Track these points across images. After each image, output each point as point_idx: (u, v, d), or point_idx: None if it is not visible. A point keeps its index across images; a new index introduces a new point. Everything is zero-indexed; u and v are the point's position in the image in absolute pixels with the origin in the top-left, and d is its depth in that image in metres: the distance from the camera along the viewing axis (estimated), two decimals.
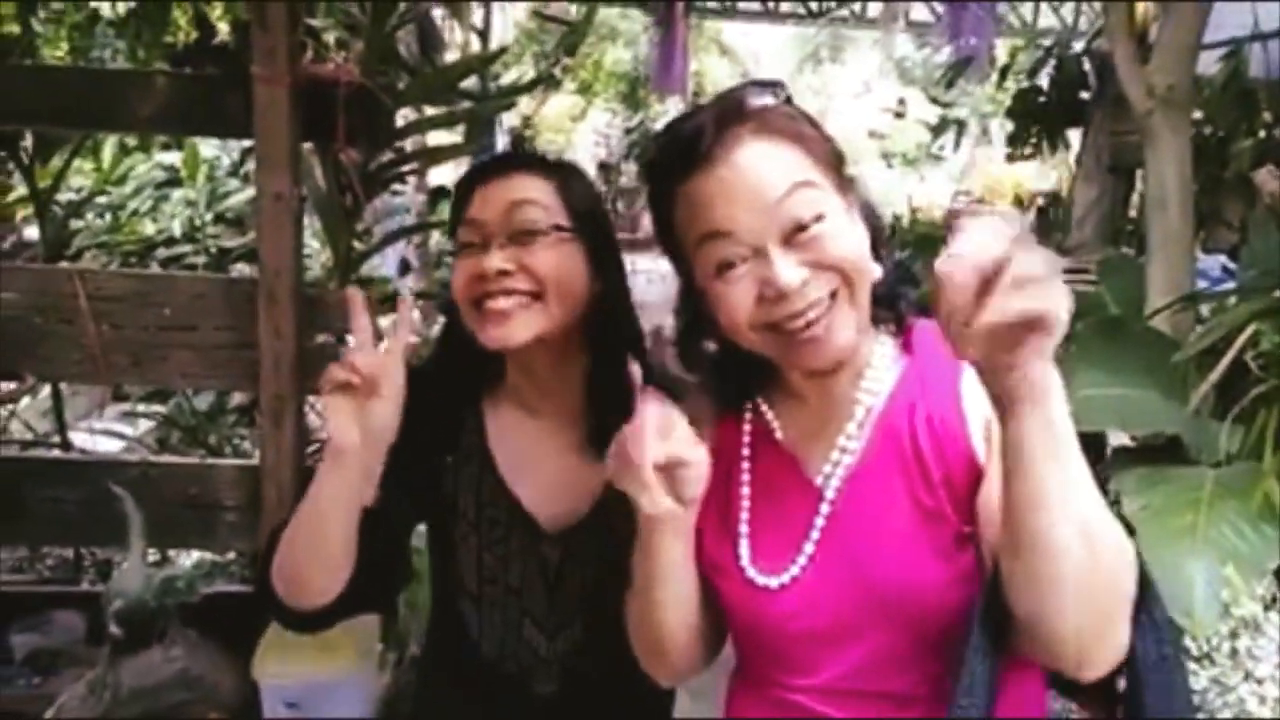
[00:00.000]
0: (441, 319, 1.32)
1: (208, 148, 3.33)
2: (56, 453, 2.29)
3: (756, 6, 11.98)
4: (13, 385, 1.83)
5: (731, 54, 16.48)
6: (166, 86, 1.75)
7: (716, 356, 1.07)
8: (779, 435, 1.07)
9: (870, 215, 1.02)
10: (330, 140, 1.78)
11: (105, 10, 3.47)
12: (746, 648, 1.09)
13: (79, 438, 3.03)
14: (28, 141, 2.27)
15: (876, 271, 0.99)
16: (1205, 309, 2.72)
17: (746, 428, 1.10)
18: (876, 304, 1.02)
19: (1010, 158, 4.17)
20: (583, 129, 15.43)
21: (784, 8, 12.08)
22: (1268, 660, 1.74)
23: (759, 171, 0.94)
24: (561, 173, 1.24)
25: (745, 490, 1.07)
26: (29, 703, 1.59)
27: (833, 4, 11.09)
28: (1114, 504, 2.03)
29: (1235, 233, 3.57)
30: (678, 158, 0.97)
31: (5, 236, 3.88)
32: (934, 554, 0.96)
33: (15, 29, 3.58)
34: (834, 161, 0.99)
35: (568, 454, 1.28)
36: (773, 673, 1.06)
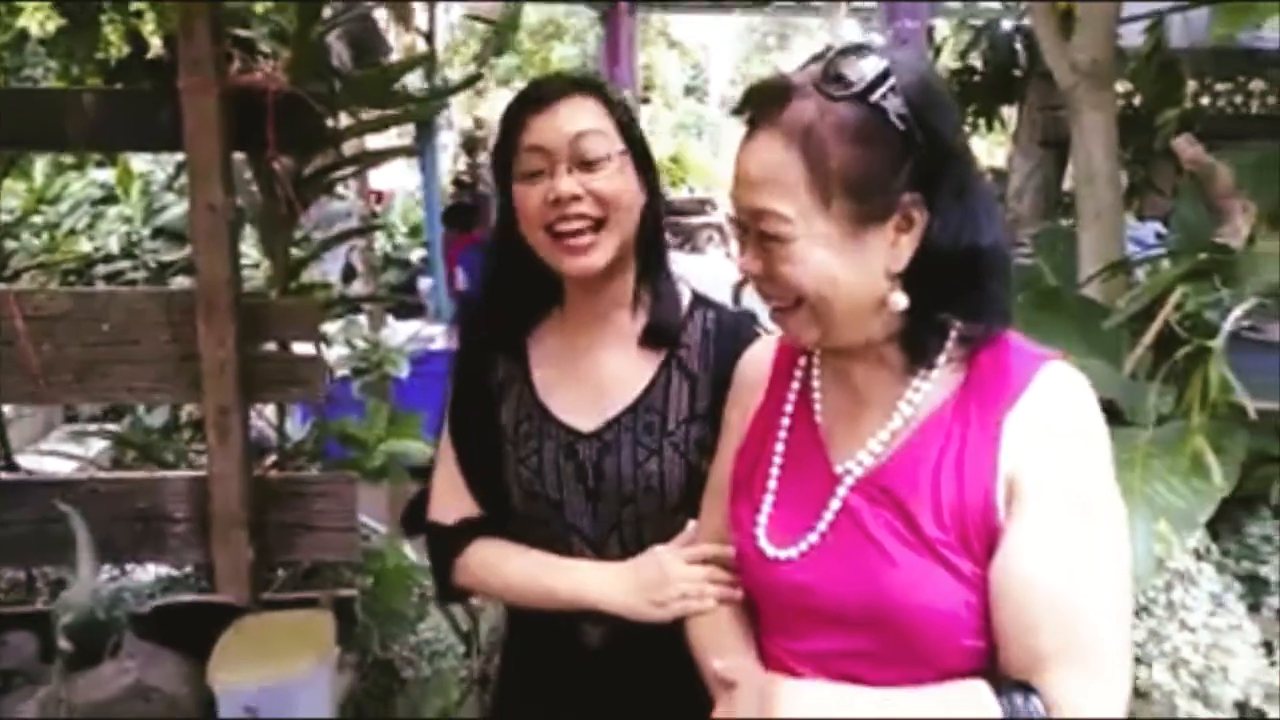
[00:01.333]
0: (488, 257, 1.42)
1: (141, 162, 3.31)
2: (2, 475, 2.28)
3: None
4: None
5: (680, 46, 16.59)
6: (95, 103, 1.75)
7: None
8: (818, 409, 1.09)
9: None
10: (262, 149, 1.78)
11: (34, 29, 3.44)
12: (751, 598, 1.15)
13: (29, 460, 3.01)
14: None
15: (894, 302, 0.98)
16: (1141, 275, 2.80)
17: (795, 385, 1.14)
18: (907, 329, 1.00)
19: None
20: None
21: None
22: (1199, 609, 1.80)
23: (751, 170, 1.01)
24: (604, 92, 1.31)
25: (777, 458, 1.10)
26: None
27: None
28: None
29: (1169, 200, 3.67)
30: (742, 102, 1.03)
31: None
32: (930, 579, 0.96)
33: None
34: (857, 177, 0.97)
35: (607, 361, 1.36)
36: (767, 628, 1.12)
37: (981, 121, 4.81)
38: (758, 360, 1.21)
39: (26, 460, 2.88)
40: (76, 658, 1.67)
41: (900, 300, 0.98)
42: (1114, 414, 2.38)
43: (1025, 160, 4.68)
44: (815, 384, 1.12)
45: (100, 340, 1.85)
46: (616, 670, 1.35)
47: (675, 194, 14.44)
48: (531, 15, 12.93)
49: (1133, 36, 3.34)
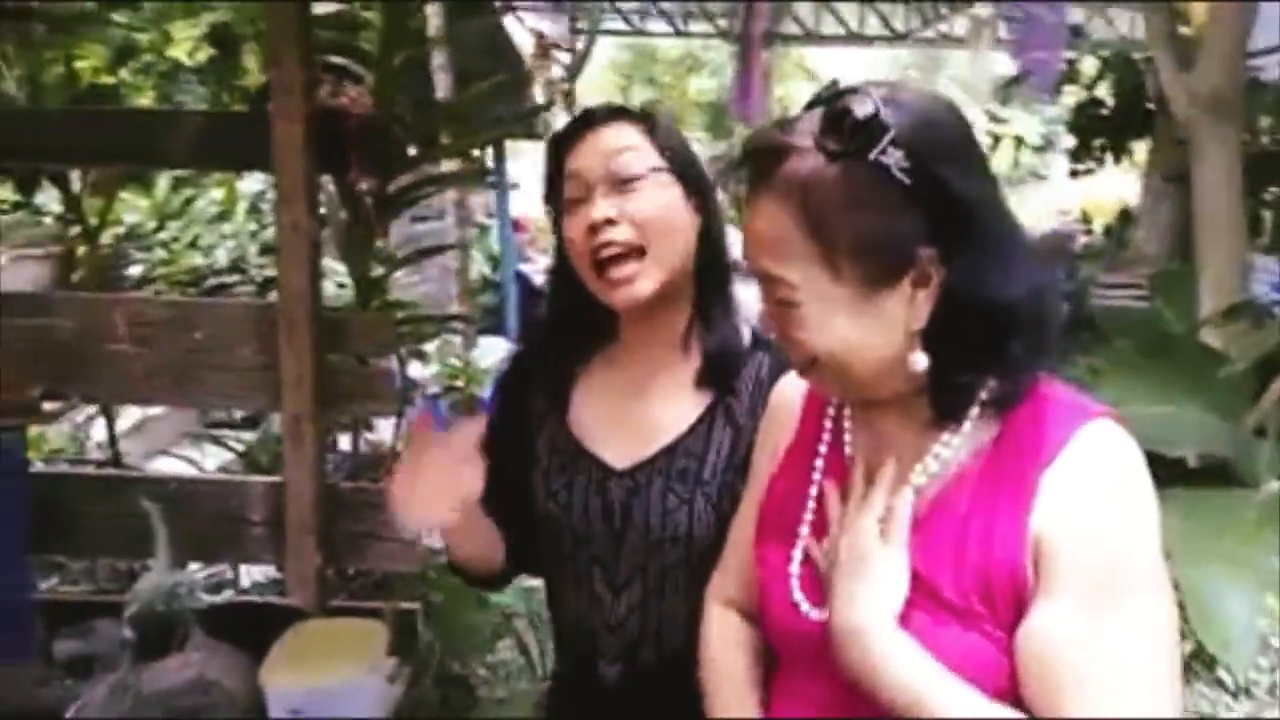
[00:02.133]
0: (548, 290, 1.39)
1: (254, 182, 3.51)
2: (105, 471, 2.43)
3: (840, 30, 11.95)
4: (57, 405, 1.94)
5: (818, 79, 16.52)
6: (195, 125, 1.87)
7: None
8: (848, 450, 1.04)
9: None
10: (345, 171, 1.86)
11: (185, 59, 3.71)
12: (769, 639, 1.10)
13: (165, 463, 3.21)
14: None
15: (914, 361, 0.91)
16: None
17: (828, 424, 1.08)
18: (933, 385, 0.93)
19: (1074, 173, 4.02)
20: None
21: (869, 29, 12.03)
22: None
23: (758, 229, 0.96)
24: (648, 118, 1.29)
25: (811, 501, 1.05)
26: (63, 705, 1.68)
27: (916, 25, 10.97)
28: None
29: None
30: (745, 158, 1.00)
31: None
32: (953, 646, 0.90)
33: (109, 80, 3.86)
34: (862, 237, 0.91)
35: (654, 400, 1.32)
36: (782, 672, 1.09)
37: (1109, 156, 4.56)
38: (789, 396, 1.16)
39: (164, 463, 3.08)
40: (148, 648, 1.76)
41: (920, 360, 0.91)
42: (1226, 471, 2.21)
43: (1153, 197, 4.41)
44: (847, 424, 1.07)
45: (194, 348, 1.96)
46: (634, 709, 1.33)
47: None
48: (670, 49, 13.16)
49: (1274, 69, 3.11)
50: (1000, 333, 0.90)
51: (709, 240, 1.29)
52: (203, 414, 4.05)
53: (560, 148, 1.27)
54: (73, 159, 2.15)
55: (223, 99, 3.64)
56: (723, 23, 10.77)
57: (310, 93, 1.82)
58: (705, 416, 1.30)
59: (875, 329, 0.90)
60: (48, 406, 1.91)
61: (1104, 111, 4.33)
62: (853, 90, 0.89)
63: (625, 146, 1.23)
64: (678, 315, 1.30)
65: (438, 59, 2.58)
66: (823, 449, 1.06)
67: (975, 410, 0.94)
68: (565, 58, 10.83)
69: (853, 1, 11.34)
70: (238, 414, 3.87)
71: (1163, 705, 0.85)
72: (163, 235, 3.12)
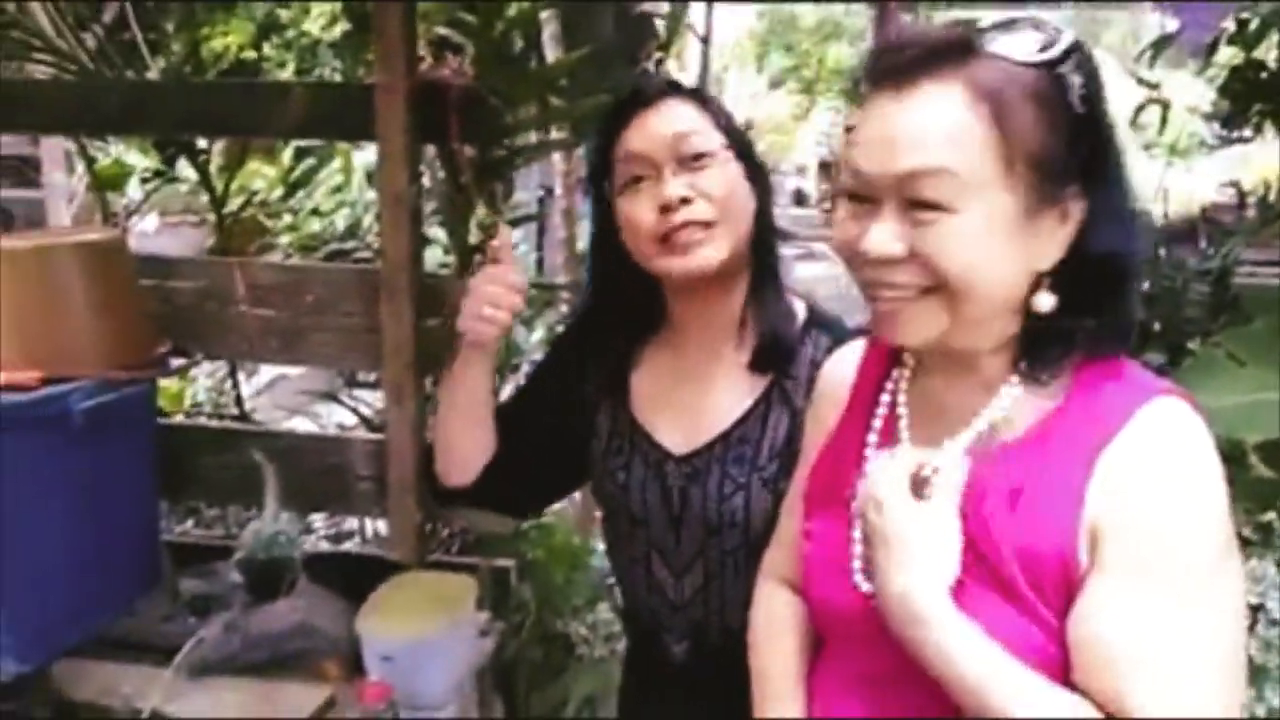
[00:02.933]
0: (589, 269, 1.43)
1: (370, 153, 3.64)
2: (228, 424, 2.59)
3: None
4: (182, 361, 2.08)
5: None
6: (303, 96, 1.95)
7: None
8: (903, 424, 1.00)
9: None
10: (445, 140, 1.91)
11: (317, 32, 3.88)
12: (818, 615, 1.09)
13: (298, 422, 3.41)
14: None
15: (1040, 301, 0.89)
16: None
17: (884, 399, 1.04)
18: (1028, 337, 0.91)
19: (1225, 140, 3.73)
20: (805, 129, 15.33)
21: None
22: None
23: (913, 126, 0.87)
24: (700, 95, 1.29)
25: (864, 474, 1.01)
26: (184, 639, 1.82)
27: None
28: None
29: None
30: (880, 58, 0.93)
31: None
32: (1007, 625, 0.87)
33: (252, 54, 4.07)
34: (1043, 150, 0.88)
35: (711, 384, 1.33)
36: (829, 649, 1.08)
37: (1269, 124, 4.20)
38: (841, 368, 1.13)
39: (297, 421, 3.27)
40: (258, 592, 1.88)
41: (1046, 301, 0.89)
42: None
43: None
44: (902, 399, 1.03)
45: (305, 310, 2.07)
46: (703, 683, 1.34)
47: None
48: (809, 15, 12.85)
49: None
50: (1115, 287, 0.90)
51: (761, 220, 1.27)
52: (337, 374, 4.24)
53: (612, 128, 1.26)
54: (193, 129, 2.28)
55: (358, 72, 3.79)
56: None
57: (412, 64, 1.87)
58: (761, 400, 1.29)
59: (1016, 257, 0.86)
60: (174, 363, 2.04)
61: (1264, 75, 3.98)
62: (1025, 20, 0.88)
63: (690, 129, 1.22)
64: (733, 297, 1.29)
65: (550, 28, 2.60)
66: (877, 422, 1.03)
67: (1060, 373, 0.91)
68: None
69: None
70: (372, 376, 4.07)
71: (1220, 694, 0.82)
72: (291, 204, 3.30)
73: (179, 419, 2.81)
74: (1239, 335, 2.54)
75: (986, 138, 0.83)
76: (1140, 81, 4.08)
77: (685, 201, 1.20)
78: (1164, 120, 4.14)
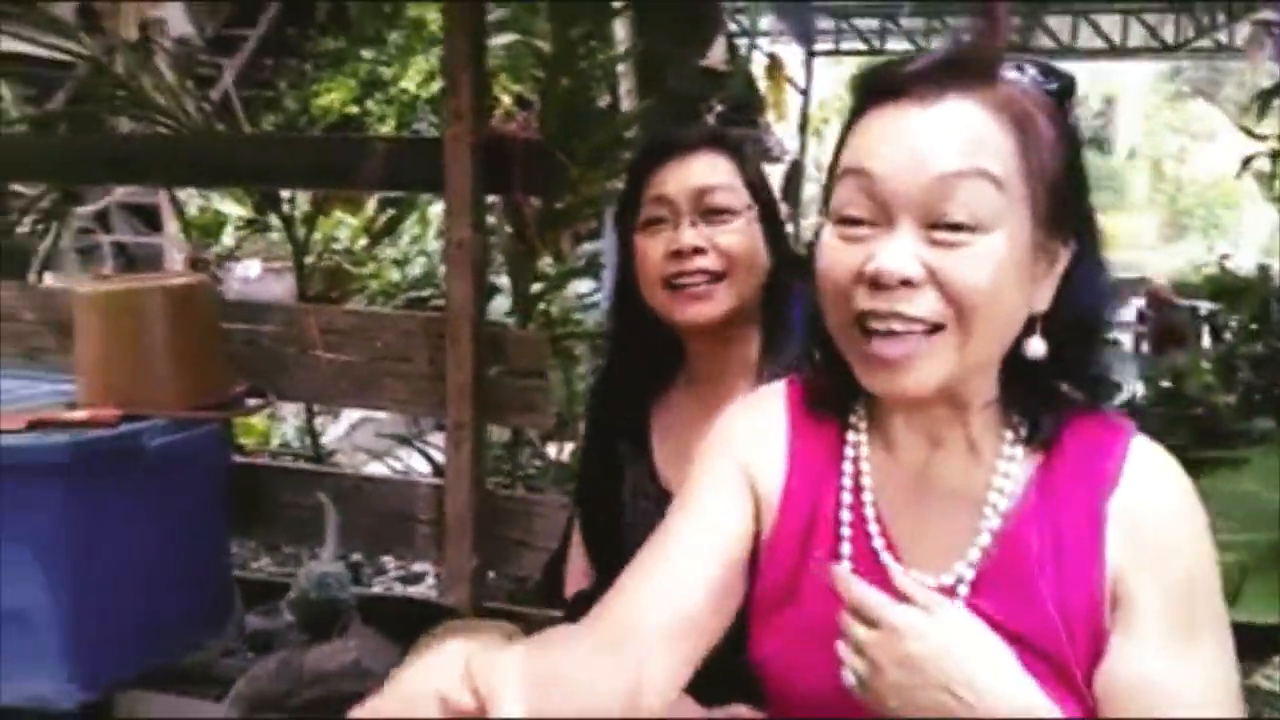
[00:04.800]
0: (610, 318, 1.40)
1: None
2: (300, 464, 2.66)
3: (1100, 44, 11.14)
4: (257, 401, 2.15)
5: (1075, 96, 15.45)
6: (383, 150, 2.02)
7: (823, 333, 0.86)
8: (868, 500, 0.88)
9: None
10: (511, 191, 1.95)
11: (413, 89, 4.04)
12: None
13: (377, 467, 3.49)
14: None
15: (1032, 347, 0.81)
16: None
17: (847, 468, 0.90)
18: (1015, 391, 0.84)
19: None
20: None
21: (1133, 40, 11.13)
22: None
23: (945, 130, 0.78)
24: (737, 149, 1.29)
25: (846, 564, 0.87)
26: (241, 675, 1.86)
27: (1189, 34, 10.05)
28: None
29: None
30: (886, 74, 0.83)
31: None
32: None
33: (354, 109, 4.26)
34: (1057, 180, 0.80)
35: None
36: None
37: None
38: (761, 422, 0.94)
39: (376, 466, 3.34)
40: (313, 631, 1.91)
41: (1039, 348, 0.81)
42: None
43: None
44: (865, 467, 0.89)
45: (375, 355, 2.12)
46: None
47: None
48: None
49: None
50: (1091, 339, 0.85)
51: (777, 269, 1.26)
52: (413, 420, 4.32)
53: (645, 169, 1.27)
54: (282, 181, 2.39)
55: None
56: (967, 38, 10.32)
57: (480, 118, 1.92)
58: None
59: (1023, 292, 0.79)
60: (249, 403, 2.11)
61: None
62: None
63: (720, 184, 1.23)
64: (748, 344, 1.27)
65: (629, 82, 2.64)
66: (846, 498, 0.89)
67: (1022, 435, 0.84)
68: (800, 80, 10.80)
69: (1114, 12, 10.55)
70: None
71: (1233, 701, 0.81)
72: (374, 253, 3.43)
73: (255, 459, 2.89)
74: None
75: (1017, 153, 0.77)
76: (1247, 132, 3.90)
77: (698, 251, 1.21)
78: (1274, 173, 3.94)
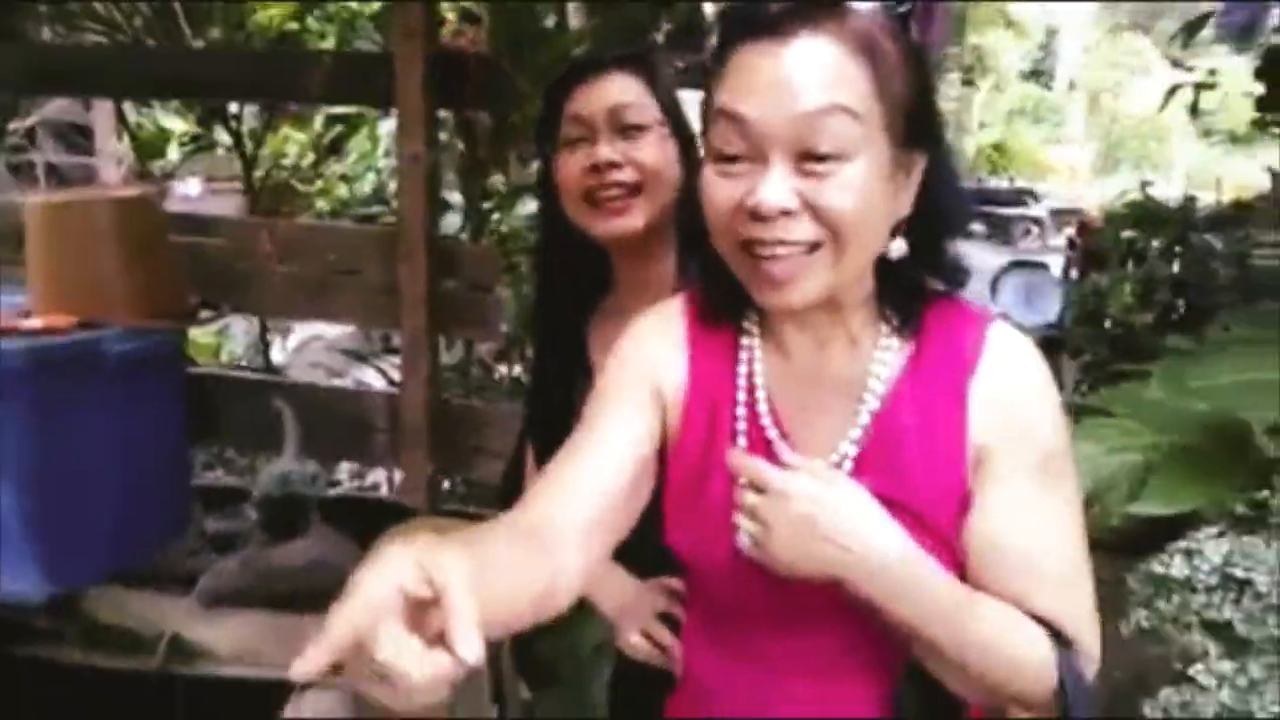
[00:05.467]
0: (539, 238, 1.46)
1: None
2: (255, 376, 2.71)
3: None
4: (210, 313, 2.19)
5: (1018, 28, 15.48)
6: (330, 63, 2.04)
7: (711, 253, 0.93)
8: (761, 395, 0.96)
9: (943, 192, 0.90)
10: (462, 107, 1.99)
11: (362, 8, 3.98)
12: (701, 591, 1.02)
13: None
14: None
15: (893, 249, 0.88)
16: None
17: (741, 368, 0.98)
18: (886, 288, 0.92)
19: (1258, 124, 3.66)
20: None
21: None
22: None
23: (804, 70, 0.82)
24: (650, 68, 1.34)
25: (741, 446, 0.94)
26: (205, 573, 1.94)
27: None
28: None
29: None
30: (747, 15, 0.87)
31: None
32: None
33: (294, 25, 4.18)
34: (908, 101, 0.85)
35: None
36: (711, 630, 1.02)
37: None
38: (662, 329, 1.02)
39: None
40: (276, 531, 1.99)
41: (899, 248, 0.89)
42: None
43: None
44: (759, 368, 0.97)
45: (327, 268, 2.17)
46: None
47: (994, 183, 13.53)
48: None
49: None
50: (950, 233, 0.93)
51: (687, 193, 1.31)
52: (365, 337, 4.34)
53: (561, 92, 1.33)
54: (225, 95, 2.40)
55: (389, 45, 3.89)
56: None
57: (431, 34, 1.95)
58: None
59: (887, 206, 0.86)
60: (202, 315, 2.15)
61: None
62: None
63: (632, 101, 1.29)
64: (666, 258, 1.34)
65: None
66: (741, 395, 0.97)
67: (895, 326, 0.93)
68: None
69: None
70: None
71: (1084, 552, 0.92)
72: (321, 169, 3.42)
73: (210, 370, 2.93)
74: (1246, 316, 2.56)
75: (870, 82, 0.83)
76: (1175, 64, 4.01)
77: (614, 165, 1.27)
78: (1195, 106, 4.10)
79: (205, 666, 1.82)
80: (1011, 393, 0.92)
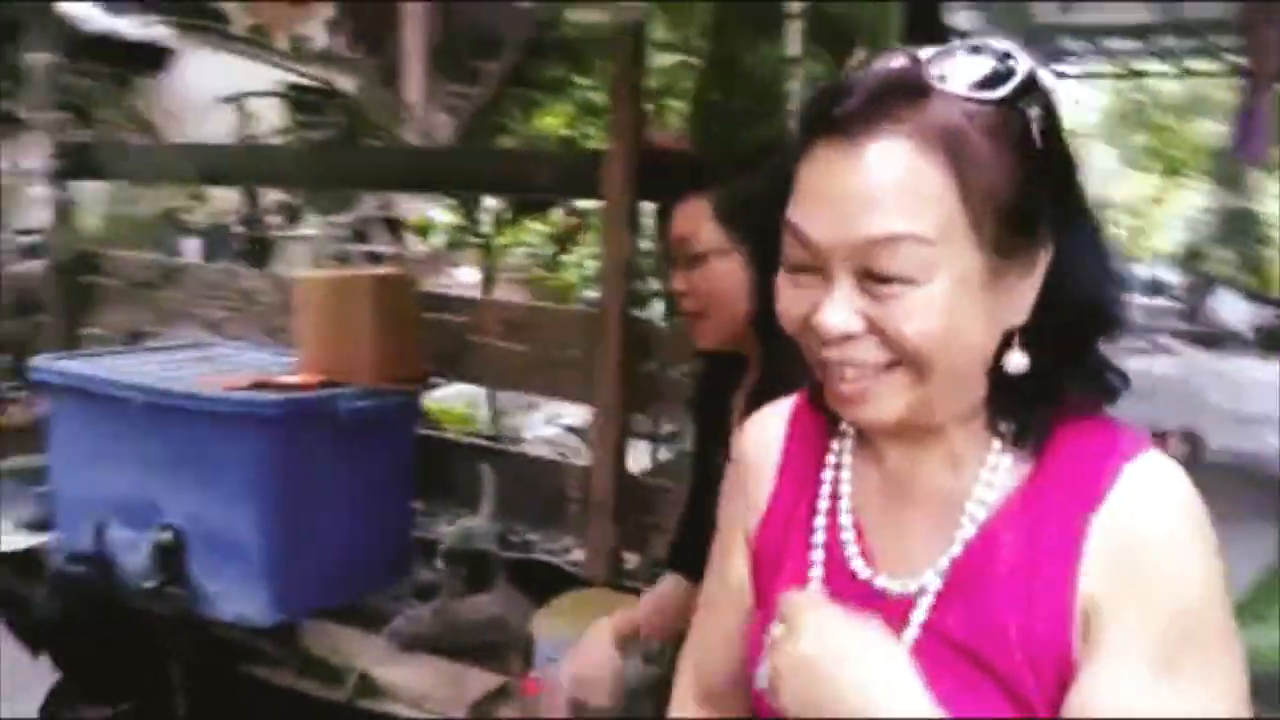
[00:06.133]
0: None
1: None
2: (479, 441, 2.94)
3: None
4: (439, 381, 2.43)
5: None
6: (549, 160, 2.25)
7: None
8: (844, 506, 0.88)
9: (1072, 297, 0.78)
10: (664, 200, 2.11)
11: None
12: None
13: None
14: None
15: (1011, 363, 0.78)
16: None
17: (827, 475, 0.90)
18: (1001, 397, 0.80)
19: None
20: (1165, 212, 13.93)
21: None
22: None
23: (870, 186, 0.73)
24: (724, 194, 1.40)
25: (816, 569, 0.87)
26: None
27: None
28: None
29: None
30: (823, 108, 0.76)
31: None
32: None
33: (570, 132, 4.62)
34: (1009, 198, 0.74)
35: None
36: None
37: None
38: (764, 437, 0.96)
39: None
40: (465, 585, 2.14)
41: (1018, 362, 0.78)
42: None
43: None
44: (845, 474, 0.89)
45: (541, 345, 2.35)
46: None
47: None
48: (1172, 89, 11.69)
49: None
50: (1089, 339, 0.80)
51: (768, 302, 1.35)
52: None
53: (665, 217, 1.47)
54: (468, 188, 2.69)
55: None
56: (1231, 59, 9.52)
57: (638, 132, 2.10)
58: None
59: (986, 317, 0.76)
60: (432, 380, 2.39)
61: None
62: (976, 44, 0.77)
63: (686, 234, 1.39)
64: (744, 376, 1.45)
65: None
66: (822, 504, 0.89)
67: (1009, 443, 0.81)
68: None
69: None
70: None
71: None
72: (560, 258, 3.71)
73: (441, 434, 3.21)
74: None
75: (947, 188, 0.73)
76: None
77: (682, 294, 1.41)
78: None
79: (386, 704, 1.98)
80: (1140, 535, 0.76)
